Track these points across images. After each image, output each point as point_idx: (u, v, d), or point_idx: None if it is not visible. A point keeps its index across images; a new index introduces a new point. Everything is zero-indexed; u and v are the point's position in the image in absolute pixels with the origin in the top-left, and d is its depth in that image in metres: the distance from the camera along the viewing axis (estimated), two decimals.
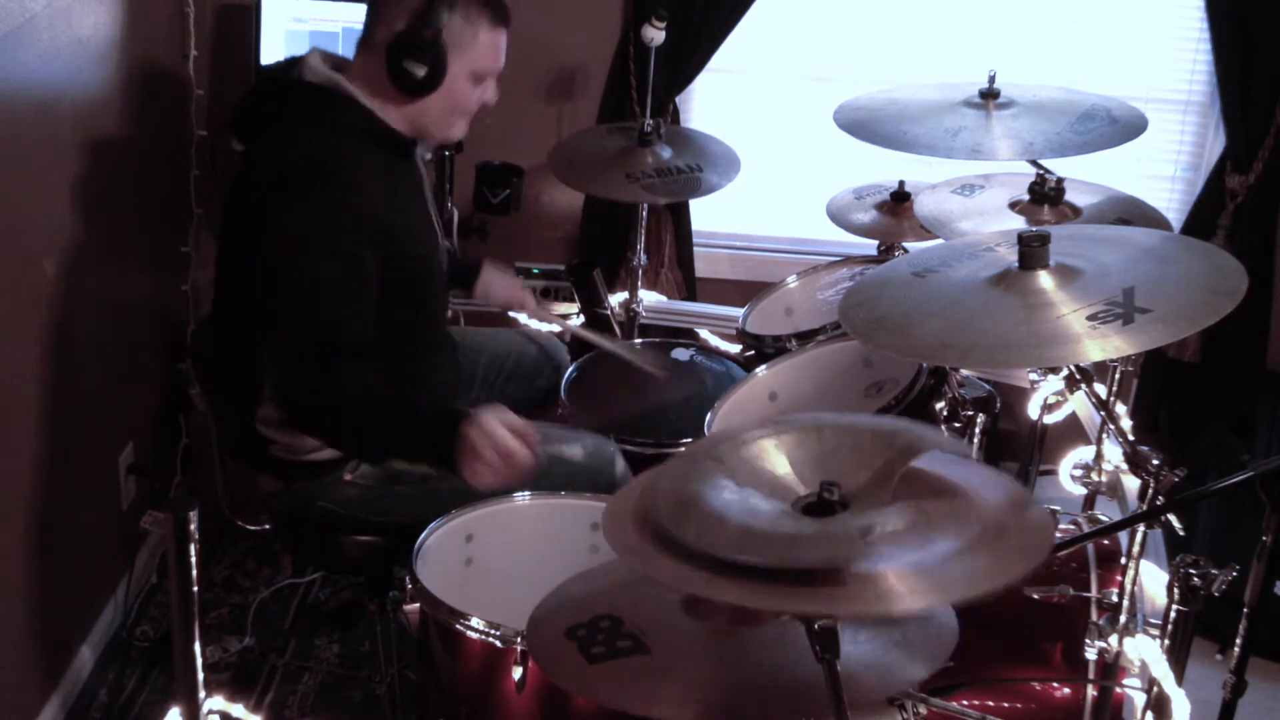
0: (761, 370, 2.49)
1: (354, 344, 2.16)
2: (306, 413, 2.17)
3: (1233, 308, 1.55)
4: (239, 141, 2.31)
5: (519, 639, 1.83)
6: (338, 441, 2.26)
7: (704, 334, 3.17)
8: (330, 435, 2.23)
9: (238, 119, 2.31)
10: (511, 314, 2.96)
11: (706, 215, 3.50)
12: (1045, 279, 1.64)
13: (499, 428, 2.08)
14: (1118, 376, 2.26)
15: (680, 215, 3.41)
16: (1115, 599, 1.95)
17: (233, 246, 2.31)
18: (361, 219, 2.15)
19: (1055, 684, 2.04)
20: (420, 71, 2.18)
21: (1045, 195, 2.21)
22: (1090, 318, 1.55)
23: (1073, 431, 2.75)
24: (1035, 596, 2.03)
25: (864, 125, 2.37)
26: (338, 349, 2.14)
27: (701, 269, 3.50)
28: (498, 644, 1.87)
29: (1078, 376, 1.95)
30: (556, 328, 2.92)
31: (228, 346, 2.35)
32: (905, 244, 2.77)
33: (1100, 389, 2.08)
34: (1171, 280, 1.62)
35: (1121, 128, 2.29)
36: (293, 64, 2.28)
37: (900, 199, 2.81)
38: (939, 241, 2.03)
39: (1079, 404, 2.60)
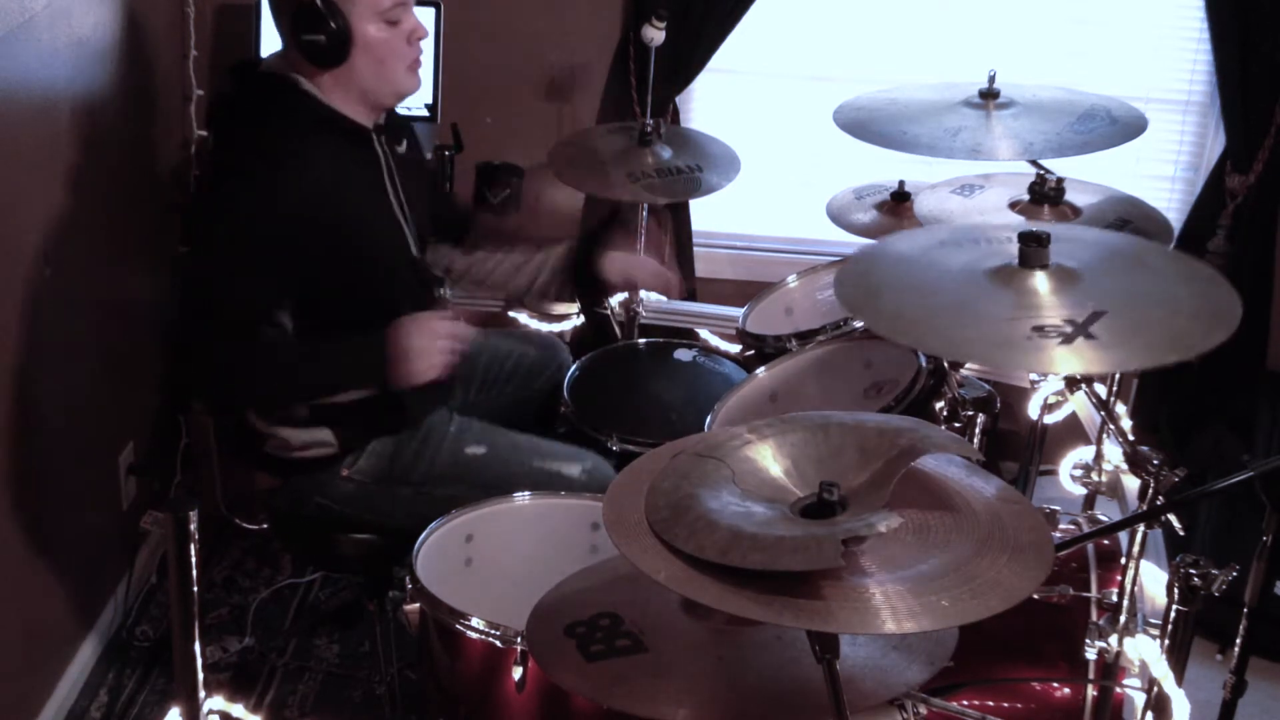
0: (762, 370, 2.49)
1: (260, 318, 2.18)
2: (226, 392, 2.23)
3: (1175, 360, 1.56)
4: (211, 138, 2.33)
5: (519, 639, 1.83)
6: (272, 400, 2.29)
7: (704, 334, 3.17)
8: (261, 399, 2.28)
9: (207, 117, 2.33)
10: (511, 314, 2.96)
11: (706, 215, 3.49)
12: (1040, 280, 1.64)
13: (431, 320, 2.23)
14: (1118, 376, 2.26)
15: (680, 215, 3.41)
16: (1115, 599, 1.95)
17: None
18: (287, 207, 2.15)
19: (1055, 684, 2.04)
20: (321, 38, 2.17)
21: (1045, 195, 2.21)
22: (1035, 328, 1.55)
23: (1073, 431, 2.75)
24: (1035, 596, 2.03)
25: (864, 125, 2.37)
26: (246, 324, 2.16)
27: (701, 269, 3.50)
28: (498, 644, 1.87)
29: (1077, 376, 1.95)
30: (556, 328, 2.92)
31: None
32: None
33: (1100, 389, 2.08)
34: (1148, 319, 1.61)
35: (1121, 128, 2.29)
36: (261, 59, 2.31)
37: (900, 199, 2.81)
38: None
39: (1079, 404, 2.60)
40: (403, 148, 2.40)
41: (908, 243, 1.84)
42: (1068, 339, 1.53)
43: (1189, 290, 1.67)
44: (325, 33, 2.16)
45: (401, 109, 3.16)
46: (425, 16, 3.11)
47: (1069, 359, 1.53)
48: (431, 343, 2.21)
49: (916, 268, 1.74)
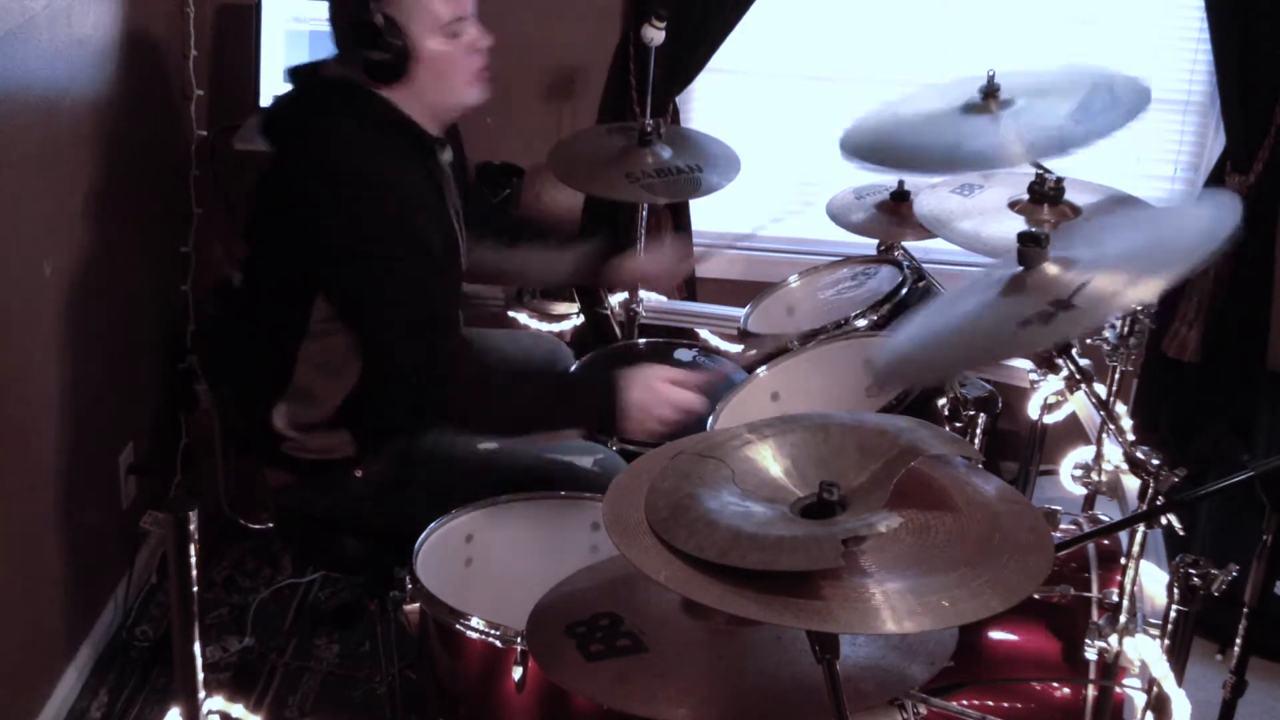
0: (763, 370, 2.49)
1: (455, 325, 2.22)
2: (458, 409, 2.22)
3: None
4: (268, 141, 2.31)
5: (519, 639, 1.83)
6: (491, 421, 2.27)
7: (704, 334, 3.17)
8: (482, 418, 2.26)
9: (267, 119, 2.32)
10: (511, 313, 2.95)
11: (706, 215, 3.49)
12: (1048, 271, 1.67)
13: (661, 384, 2.20)
14: (1118, 376, 2.26)
15: (680, 215, 3.41)
16: (1115, 599, 1.95)
17: (267, 247, 2.31)
18: (410, 204, 2.18)
19: (1055, 684, 2.04)
20: (385, 56, 2.17)
21: (1045, 195, 2.21)
22: (1020, 323, 1.60)
23: (1073, 431, 2.75)
24: (1035, 596, 2.03)
25: (870, 148, 2.38)
26: (446, 335, 2.20)
27: (701, 269, 3.50)
28: (498, 644, 1.87)
29: (1078, 376, 1.95)
30: (556, 328, 2.92)
31: (246, 343, 2.35)
32: (905, 243, 2.77)
33: (1100, 389, 2.08)
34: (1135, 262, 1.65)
35: (1124, 109, 2.27)
36: (320, 65, 2.29)
37: (900, 198, 2.81)
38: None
39: (1079, 404, 2.59)
40: (448, 155, 2.39)
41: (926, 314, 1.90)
42: (1047, 319, 1.57)
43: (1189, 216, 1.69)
44: (388, 49, 2.16)
45: None
46: None
47: (1052, 334, 1.59)
48: (656, 405, 2.19)
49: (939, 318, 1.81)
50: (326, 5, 2.23)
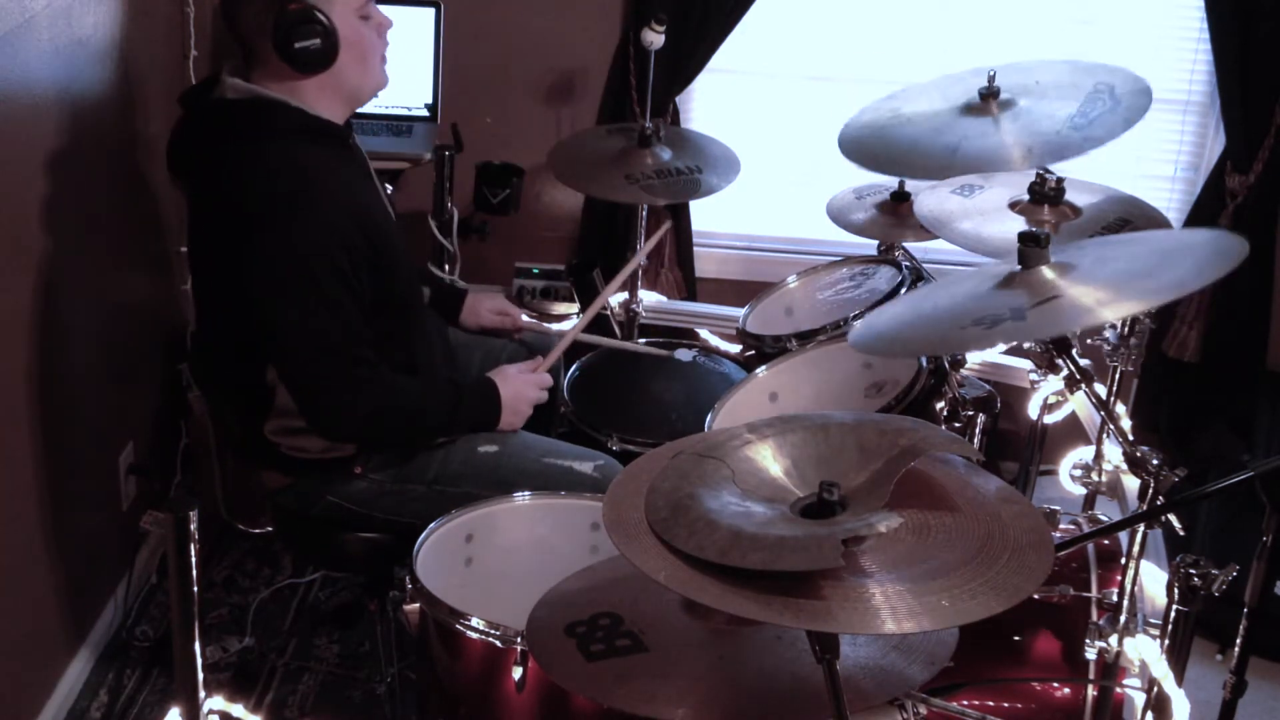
0: (761, 370, 2.49)
1: (364, 353, 2.20)
2: (352, 435, 2.28)
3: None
4: (178, 175, 2.30)
5: (519, 639, 1.83)
6: (390, 442, 2.35)
7: (704, 334, 3.17)
8: (379, 442, 2.33)
9: (174, 152, 2.31)
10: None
11: (706, 215, 3.50)
12: (1044, 274, 1.67)
13: (525, 381, 2.42)
14: (1118, 376, 2.26)
15: (680, 215, 3.41)
16: (1115, 599, 1.95)
17: (212, 279, 2.31)
18: (334, 227, 2.15)
19: (1055, 684, 2.05)
20: (315, 43, 2.17)
21: (1045, 195, 2.21)
22: (975, 321, 1.61)
23: (1073, 431, 2.75)
24: (1035, 596, 2.03)
25: (868, 152, 2.38)
26: (355, 363, 2.19)
27: (701, 269, 3.50)
28: (498, 644, 1.87)
29: (1078, 376, 1.95)
30: (555, 327, 2.91)
31: (225, 365, 2.35)
32: (905, 244, 2.77)
33: (1100, 389, 2.08)
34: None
35: (1123, 113, 2.28)
36: (212, 85, 2.26)
37: (900, 199, 2.80)
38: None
39: (1079, 404, 2.60)
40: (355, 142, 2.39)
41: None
42: (995, 323, 1.58)
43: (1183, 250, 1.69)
44: (317, 36, 2.16)
45: (401, 109, 3.18)
46: (425, 16, 3.13)
47: (993, 338, 1.63)
48: (526, 392, 2.41)
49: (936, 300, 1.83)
50: (230, 17, 2.24)
